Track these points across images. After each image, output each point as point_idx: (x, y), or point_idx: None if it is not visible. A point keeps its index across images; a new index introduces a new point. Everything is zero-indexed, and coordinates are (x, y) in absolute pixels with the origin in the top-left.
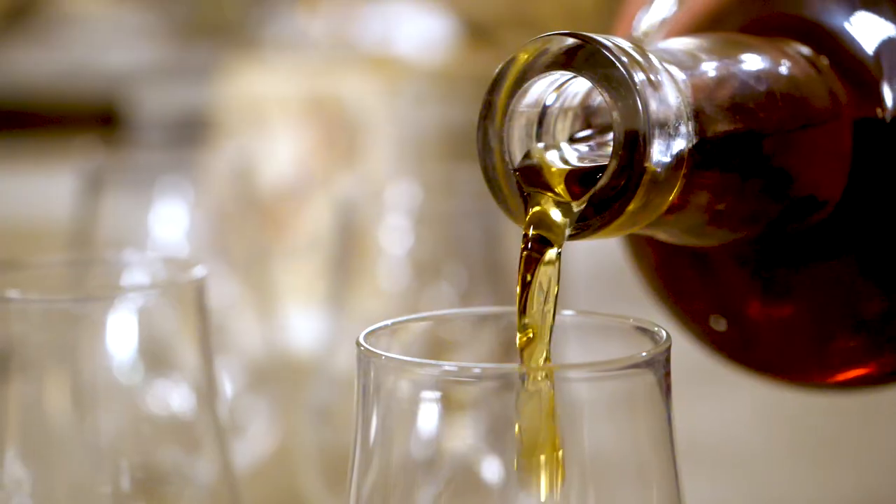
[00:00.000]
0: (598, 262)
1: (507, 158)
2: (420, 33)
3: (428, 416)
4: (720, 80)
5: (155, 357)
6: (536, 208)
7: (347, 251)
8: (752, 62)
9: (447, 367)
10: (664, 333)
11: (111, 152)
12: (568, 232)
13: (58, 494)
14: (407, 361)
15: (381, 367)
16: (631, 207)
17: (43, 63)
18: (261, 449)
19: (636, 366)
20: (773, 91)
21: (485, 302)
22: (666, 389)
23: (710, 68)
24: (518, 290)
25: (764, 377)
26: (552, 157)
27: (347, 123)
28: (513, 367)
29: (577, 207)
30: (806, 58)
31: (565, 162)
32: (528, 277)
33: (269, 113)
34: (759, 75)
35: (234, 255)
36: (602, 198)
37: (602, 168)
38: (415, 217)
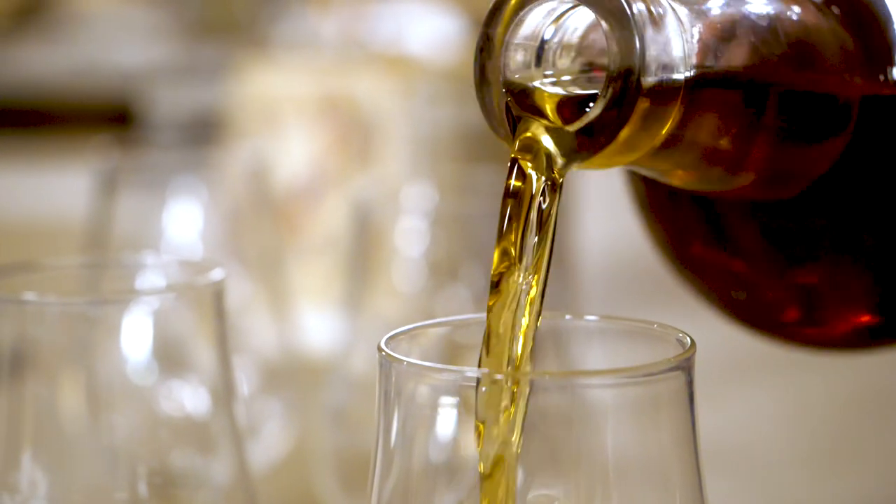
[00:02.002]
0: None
1: (503, 91)
2: (433, 33)
3: (448, 422)
4: (725, 18)
5: (171, 359)
6: (526, 133)
7: (364, 252)
8: (761, 4)
9: (468, 373)
10: (688, 339)
11: (125, 151)
12: (559, 161)
13: (73, 497)
14: (428, 367)
15: (403, 372)
16: (622, 136)
17: (53, 61)
18: (275, 450)
19: (662, 372)
20: (779, 34)
21: None
22: (690, 395)
23: (715, 6)
24: (499, 225)
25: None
26: (547, 84)
27: (361, 123)
28: (539, 373)
29: (568, 132)
30: (817, 6)
31: (562, 88)
32: (509, 209)
33: (283, 112)
34: (765, 17)
35: (249, 255)
36: (594, 125)
37: (596, 97)
38: (431, 218)
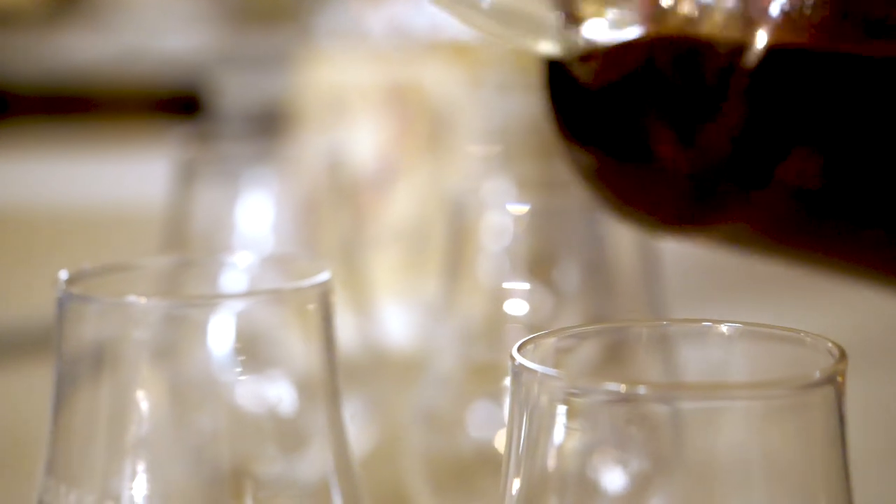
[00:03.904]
0: (690, 260)
1: None
2: None
3: (576, 433)
4: None
5: (275, 362)
6: None
7: (458, 249)
8: None
9: (602, 385)
10: (836, 348)
11: (200, 142)
12: None
13: (155, 497)
14: (559, 377)
15: (533, 380)
16: None
17: (99, 48)
18: (357, 448)
19: (814, 384)
20: None
21: (591, 301)
22: (840, 409)
23: None
24: None
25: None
26: None
27: (429, 112)
28: (678, 384)
29: None
30: None
31: None
32: None
33: (350, 102)
34: None
35: (326, 247)
36: None
37: None
38: (514, 214)
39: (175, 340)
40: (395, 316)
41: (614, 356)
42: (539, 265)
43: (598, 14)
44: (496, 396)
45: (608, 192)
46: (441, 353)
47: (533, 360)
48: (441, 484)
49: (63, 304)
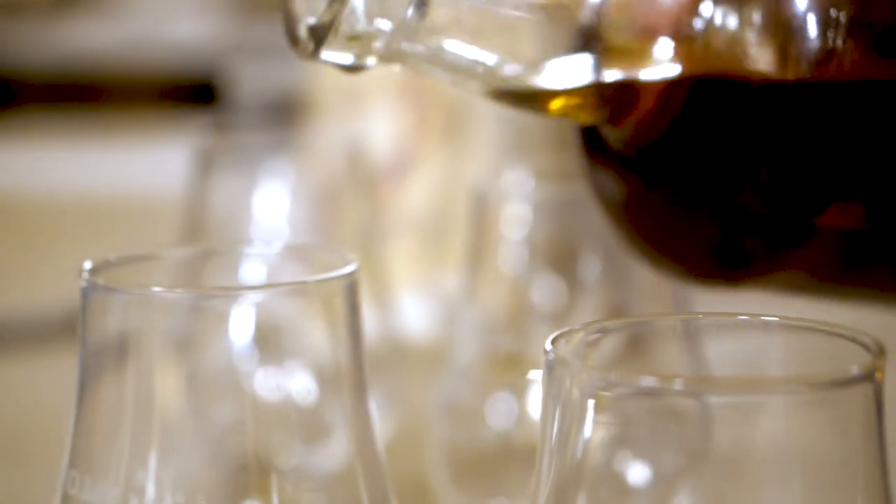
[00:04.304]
0: None
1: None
2: None
3: (611, 427)
4: None
5: (300, 354)
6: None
7: (479, 239)
8: None
9: (636, 379)
10: (875, 343)
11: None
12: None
13: (180, 487)
14: (593, 371)
15: (566, 374)
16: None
17: (110, 35)
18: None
19: (852, 380)
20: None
21: (611, 292)
22: (878, 404)
23: None
24: None
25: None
26: None
27: (446, 101)
28: (711, 379)
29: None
30: None
31: None
32: None
33: (365, 92)
34: None
35: (341, 236)
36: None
37: None
38: (534, 204)
39: (201, 332)
40: (413, 306)
41: (647, 350)
42: (560, 255)
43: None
44: (517, 387)
45: (644, 250)
46: (462, 344)
47: (566, 354)
48: (462, 475)
49: (87, 294)
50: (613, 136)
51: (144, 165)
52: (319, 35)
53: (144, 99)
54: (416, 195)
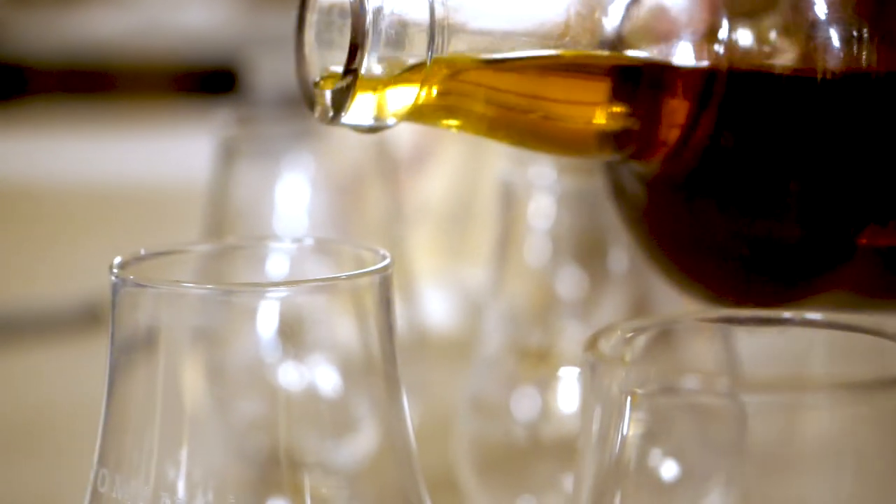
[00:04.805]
0: None
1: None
2: None
3: (650, 425)
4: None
5: (332, 349)
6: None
7: (507, 233)
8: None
9: (678, 378)
10: None
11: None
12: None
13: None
14: (633, 369)
15: (607, 372)
16: (356, 93)
17: (121, 22)
18: None
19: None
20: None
21: (637, 284)
22: None
23: None
24: None
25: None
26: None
27: None
28: (753, 379)
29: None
30: None
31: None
32: None
33: None
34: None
35: (364, 227)
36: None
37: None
38: (558, 196)
39: (230, 328)
40: (434, 298)
41: (687, 347)
42: (585, 247)
43: None
44: (544, 381)
45: (676, 276)
46: (488, 337)
47: (606, 352)
48: (488, 470)
49: (117, 289)
50: (641, 169)
51: (159, 154)
52: (338, 102)
53: (156, 87)
54: (436, 186)
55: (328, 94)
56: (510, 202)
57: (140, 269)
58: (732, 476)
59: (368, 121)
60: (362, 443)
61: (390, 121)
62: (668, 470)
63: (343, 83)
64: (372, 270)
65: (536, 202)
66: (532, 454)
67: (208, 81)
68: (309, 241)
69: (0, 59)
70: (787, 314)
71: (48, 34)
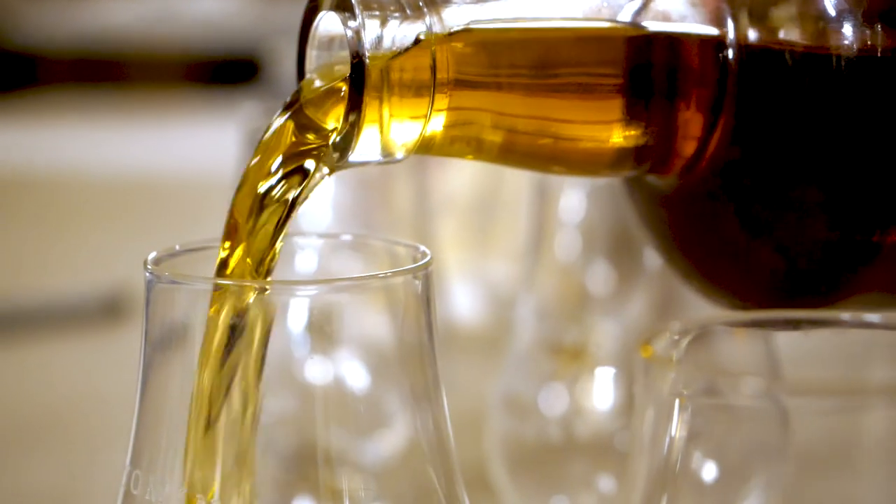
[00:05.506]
0: None
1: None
2: None
3: (703, 428)
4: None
5: (368, 345)
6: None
7: (539, 229)
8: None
9: (732, 380)
10: None
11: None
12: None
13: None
14: (686, 371)
15: (660, 375)
16: (363, 124)
17: (134, 11)
18: None
19: None
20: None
21: (669, 279)
22: None
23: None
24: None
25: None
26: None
27: None
28: (803, 381)
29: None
30: None
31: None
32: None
33: None
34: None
35: (388, 221)
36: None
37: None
38: (590, 192)
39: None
40: (461, 292)
41: (740, 350)
42: (618, 243)
43: None
44: (575, 378)
45: (702, 285)
46: (520, 333)
47: (659, 354)
48: (520, 467)
49: (151, 286)
50: (660, 183)
51: (175, 145)
52: (342, 146)
53: (170, 76)
54: (462, 179)
55: (332, 142)
56: (542, 198)
57: (174, 266)
58: (777, 479)
59: (376, 158)
60: (398, 441)
61: (399, 154)
62: (714, 472)
63: (345, 126)
64: (415, 267)
65: (568, 198)
66: (565, 452)
67: (224, 71)
68: (344, 238)
69: (12, 49)
70: (847, 315)
71: (61, 23)
